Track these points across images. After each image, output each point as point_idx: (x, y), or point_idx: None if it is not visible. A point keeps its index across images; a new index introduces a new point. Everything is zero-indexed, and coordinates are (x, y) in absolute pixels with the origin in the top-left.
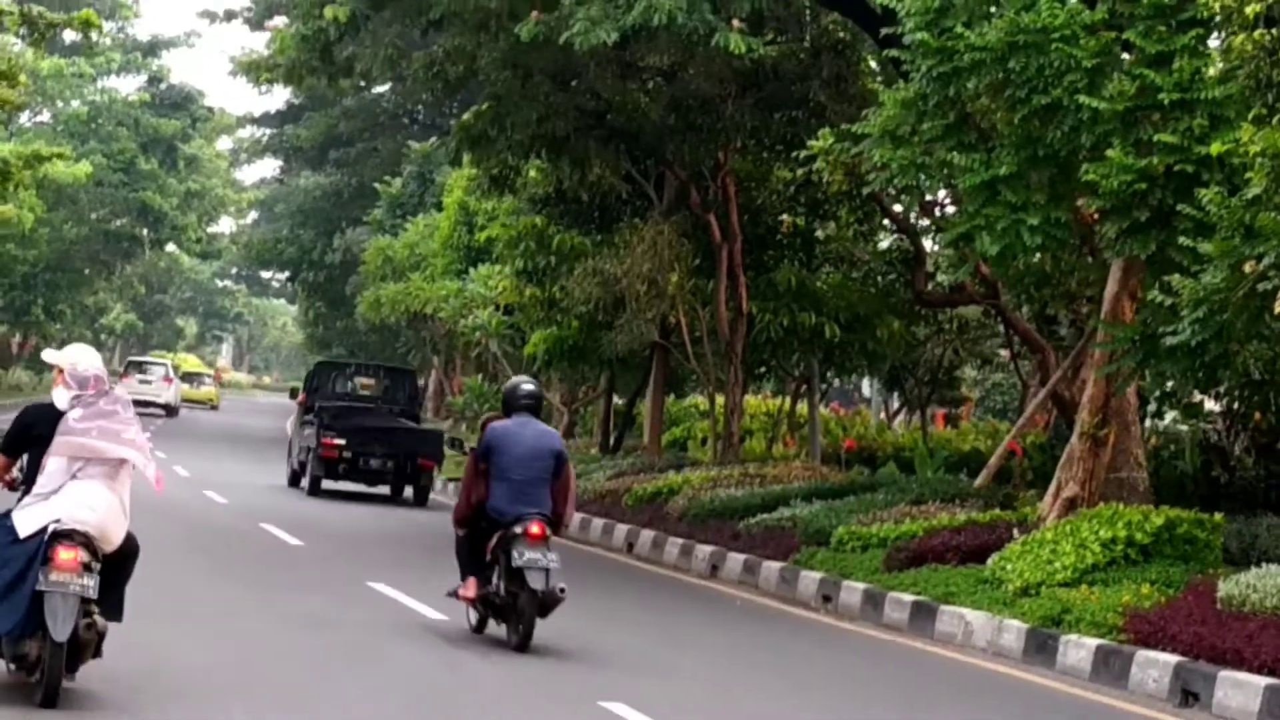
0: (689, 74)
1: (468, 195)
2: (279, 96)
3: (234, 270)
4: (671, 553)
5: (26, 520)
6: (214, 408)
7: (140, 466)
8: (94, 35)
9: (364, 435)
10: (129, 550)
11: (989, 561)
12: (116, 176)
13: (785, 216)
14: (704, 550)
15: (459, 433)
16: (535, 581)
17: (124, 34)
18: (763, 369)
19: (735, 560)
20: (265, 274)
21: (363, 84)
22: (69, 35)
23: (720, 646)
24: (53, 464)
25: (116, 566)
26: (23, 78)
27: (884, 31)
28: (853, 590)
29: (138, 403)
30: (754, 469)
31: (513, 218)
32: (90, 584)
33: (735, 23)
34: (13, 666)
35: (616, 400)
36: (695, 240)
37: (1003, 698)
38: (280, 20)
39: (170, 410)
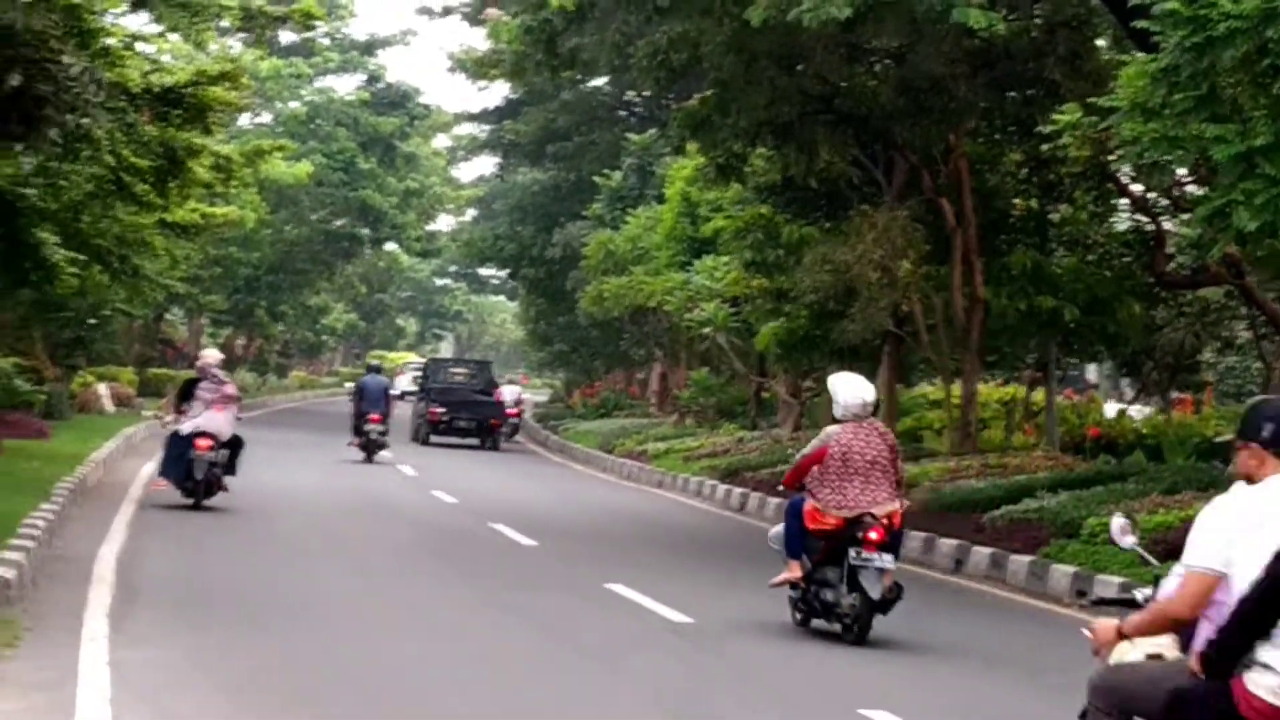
0: (918, 55)
1: (690, 186)
2: (496, 92)
3: (453, 268)
4: (913, 547)
5: (185, 428)
6: None
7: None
8: (315, 29)
9: (455, 405)
10: (234, 441)
11: None
12: (336, 176)
13: (1018, 200)
14: (947, 544)
15: (684, 428)
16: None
17: (341, 34)
18: (995, 356)
19: (981, 554)
20: (484, 271)
21: (580, 77)
22: (286, 37)
23: (971, 645)
24: (197, 405)
25: (230, 447)
26: (245, 79)
27: (1132, 1)
28: (1108, 585)
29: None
30: (993, 459)
31: (738, 208)
32: (216, 457)
33: None
34: (180, 494)
35: None
36: (927, 226)
37: None
38: (495, 11)
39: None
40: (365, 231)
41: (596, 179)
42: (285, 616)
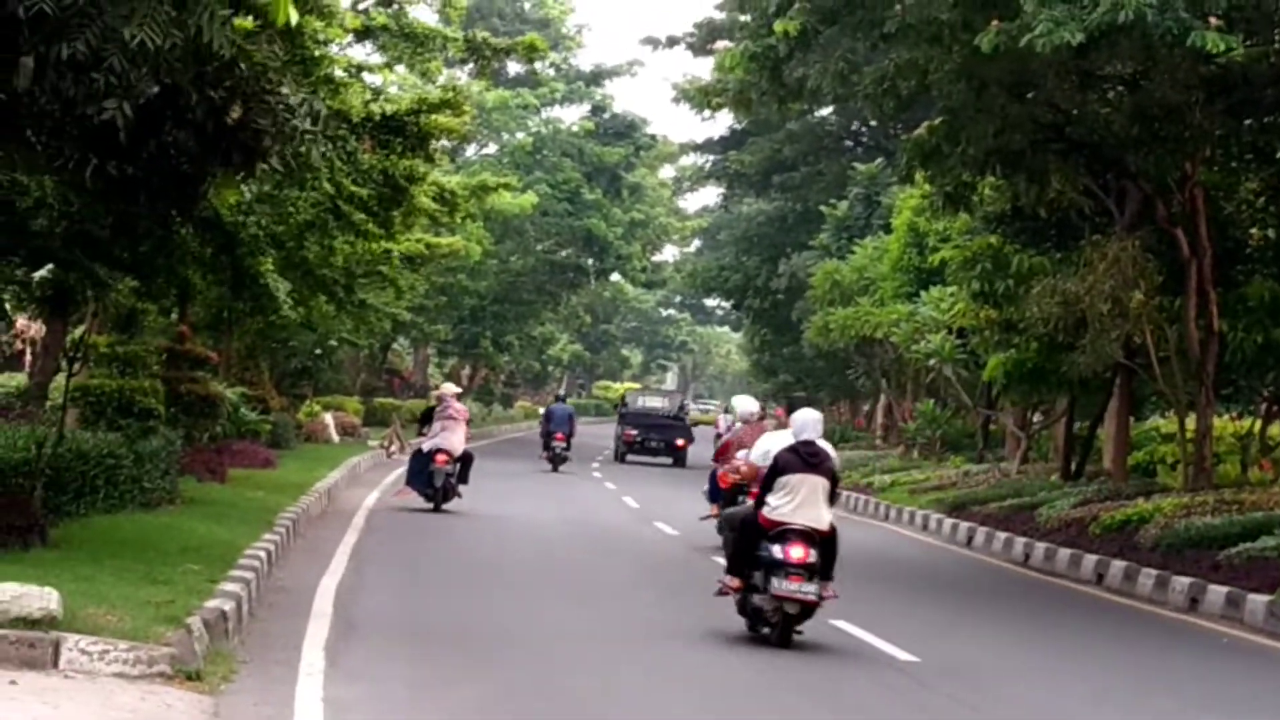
0: (1153, 81)
1: (918, 216)
2: (721, 122)
3: (677, 298)
4: (1145, 584)
5: (426, 446)
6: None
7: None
8: (538, 62)
9: (646, 429)
10: (465, 456)
11: None
12: (561, 206)
13: (1255, 229)
14: (1181, 582)
15: (910, 460)
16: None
17: (567, 64)
18: (1230, 389)
19: (1217, 593)
20: (708, 302)
21: (805, 107)
22: (513, 68)
23: (1211, 691)
24: (435, 425)
25: (462, 462)
26: (468, 107)
27: None
28: None
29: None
30: (1229, 495)
31: (966, 238)
32: (451, 469)
33: (1213, 20)
34: (423, 500)
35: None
36: (1160, 256)
37: None
38: (725, 43)
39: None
40: (590, 262)
41: (823, 209)
42: (507, 649)
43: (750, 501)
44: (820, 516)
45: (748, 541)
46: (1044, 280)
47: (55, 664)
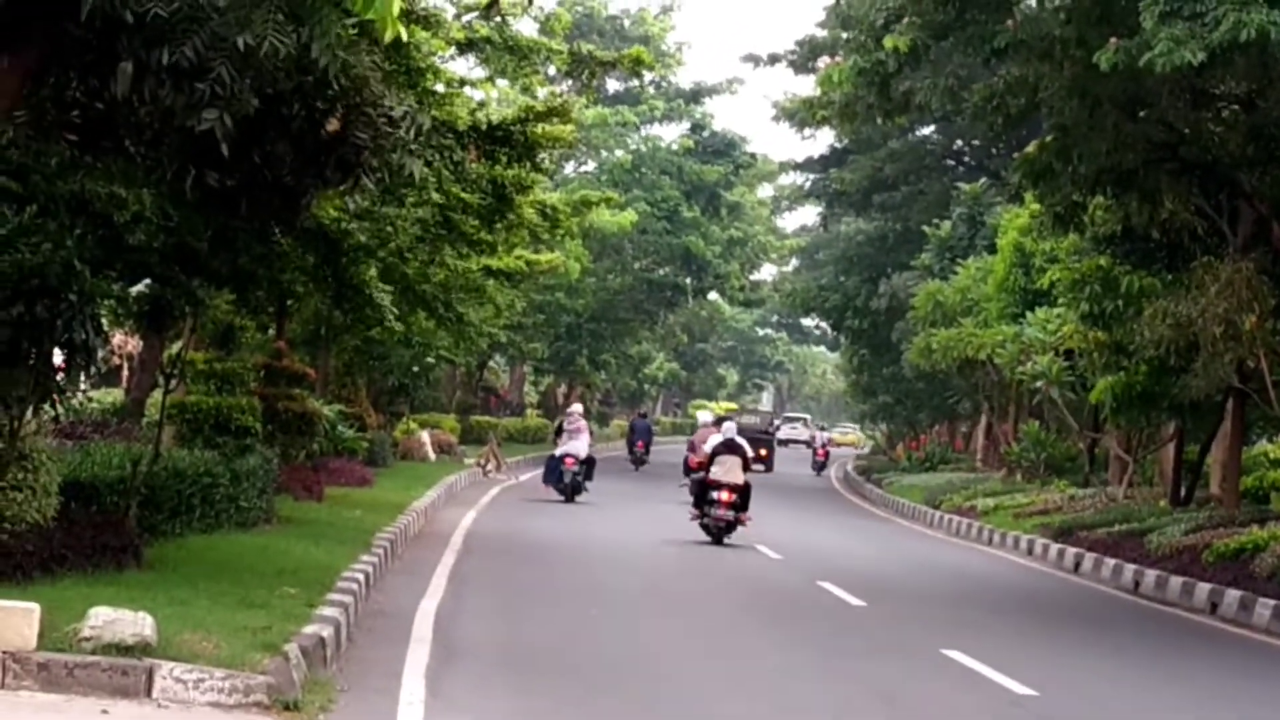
0: (1268, 100)
1: (1024, 236)
2: (821, 141)
3: (774, 318)
4: (1263, 615)
5: (559, 452)
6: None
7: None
8: (644, 75)
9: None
10: (589, 459)
11: None
12: (660, 225)
13: None
14: None
15: (1012, 483)
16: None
17: (667, 82)
18: None
19: None
20: (805, 321)
21: (909, 125)
22: (612, 85)
23: None
24: (565, 435)
25: (587, 464)
26: (575, 114)
27: None
28: None
29: (792, 441)
30: None
31: (1075, 259)
32: (579, 469)
33: None
34: (555, 493)
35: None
36: (1274, 278)
37: None
38: (830, 60)
39: (811, 445)
40: (688, 280)
41: (925, 229)
42: (610, 676)
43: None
44: (738, 477)
45: (701, 491)
46: (1155, 303)
47: (149, 692)
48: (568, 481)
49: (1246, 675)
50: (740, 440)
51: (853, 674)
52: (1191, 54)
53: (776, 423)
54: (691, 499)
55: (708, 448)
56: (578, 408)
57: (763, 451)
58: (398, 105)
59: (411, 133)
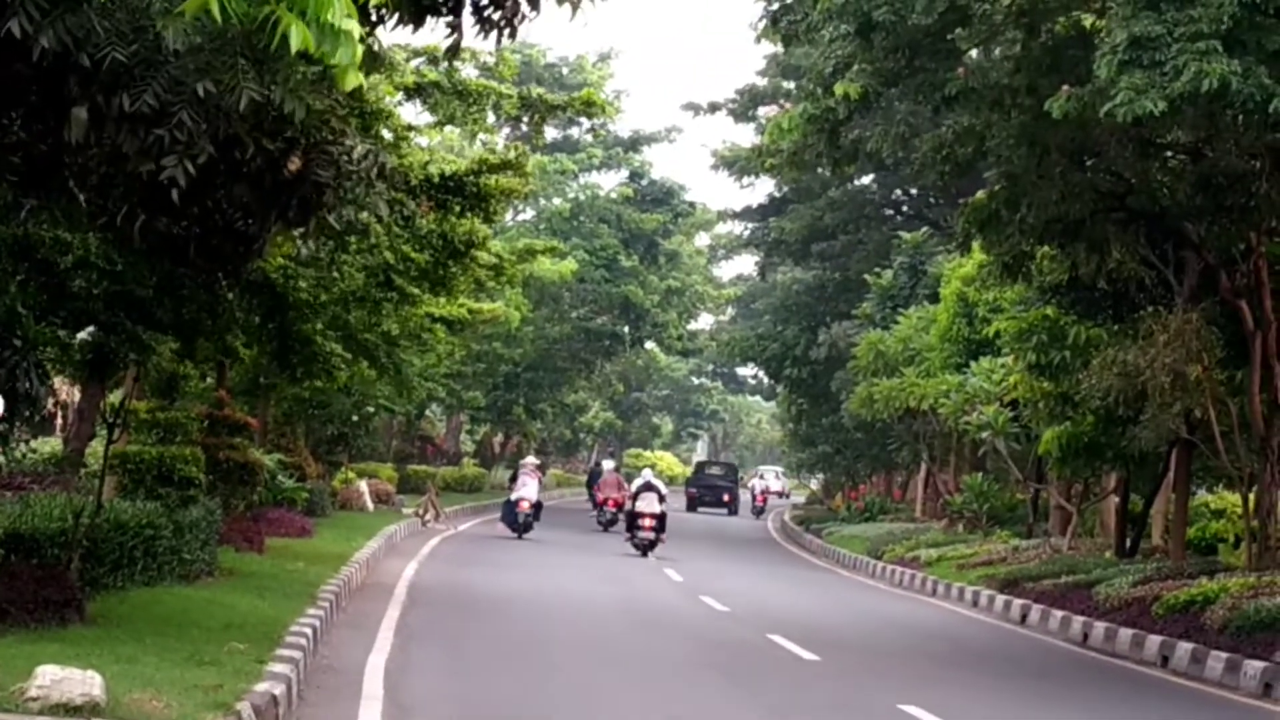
0: (1216, 150)
1: (968, 286)
2: (760, 190)
3: (709, 367)
4: (1215, 668)
5: (513, 496)
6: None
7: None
8: (592, 119)
9: (704, 489)
10: (538, 504)
11: None
12: (598, 273)
13: None
14: (1254, 666)
15: (954, 534)
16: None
17: (606, 130)
18: None
19: None
20: (741, 370)
21: (851, 176)
22: (550, 133)
23: None
24: (519, 482)
25: (536, 507)
26: (530, 168)
27: None
28: None
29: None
30: None
31: (1020, 308)
32: (530, 512)
33: None
34: (512, 533)
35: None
36: (1221, 328)
37: None
38: (770, 110)
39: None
40: (626, 329)
41: (867, 277)
42: None
43: (613, 509)
44: (655, 508)
45: (631, 520)
46: (1103, 352)
47: None
48: (521, 521)
49: None
50: (656, 482)
51: None
52: (1153, 103)
53: (738, 472)
54: (601, 527)
55: (634, 487)
56: (531, 460)
57: (725, 497)
58: (359, 145)
59: (374, 172)
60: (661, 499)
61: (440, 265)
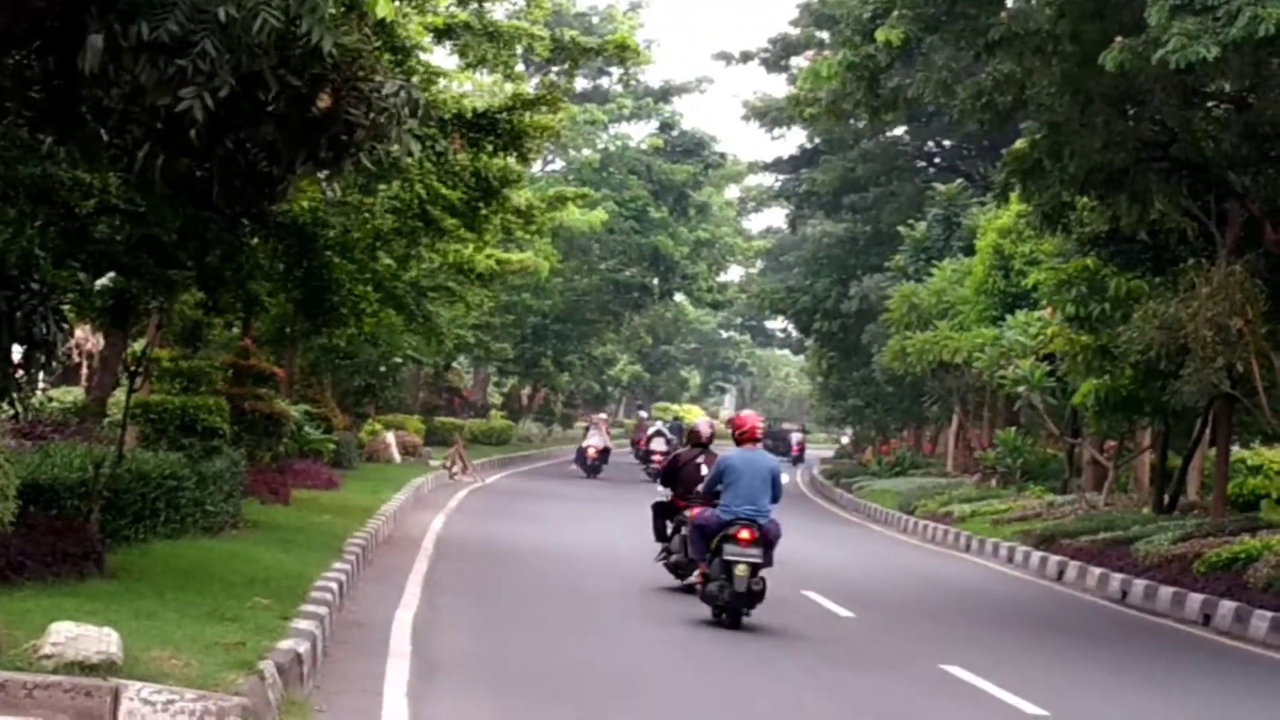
0: (1263, 99)
1: (1003, 238)
2: (791, 141)
3: (737, 321)
4: (1260, 627)
5: (585, 443)
6: None
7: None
8: (625, 67)
9: (777, 439)
10: (605, 449)
11: None
12: (628, 224)
13: None
14: None
15: (987, 489)
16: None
17: (636, 80)
18: None
19: None
20: (769, 324)
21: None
22: (580, 83)
23: None
24: (590, 433)
25: (604, 452)
26: (564, 104)
27: None
28: None
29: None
30: None
31: (1058, 260)
32: (599, 456)
33: None
34: (584, 473)
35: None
36: (1266, 281)
37: None
38: (804, 59)
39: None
40: (655, 281)
41: (900, 229)
42: (598, 693)
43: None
44: (663, 448)
45: (644, 457)
46: (1145, 304)
47: (114, 715)
48: (589, 464)
49: (1255, 694)
50: (665, 430)
51: (852, 692)
52: (1206, 50)
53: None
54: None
55: (650, 432)
56: (599, 415)
57: (794, 449)
58: (390, 81)
59: (407, 110)
60: (668, 441)
61: (473, 204)
